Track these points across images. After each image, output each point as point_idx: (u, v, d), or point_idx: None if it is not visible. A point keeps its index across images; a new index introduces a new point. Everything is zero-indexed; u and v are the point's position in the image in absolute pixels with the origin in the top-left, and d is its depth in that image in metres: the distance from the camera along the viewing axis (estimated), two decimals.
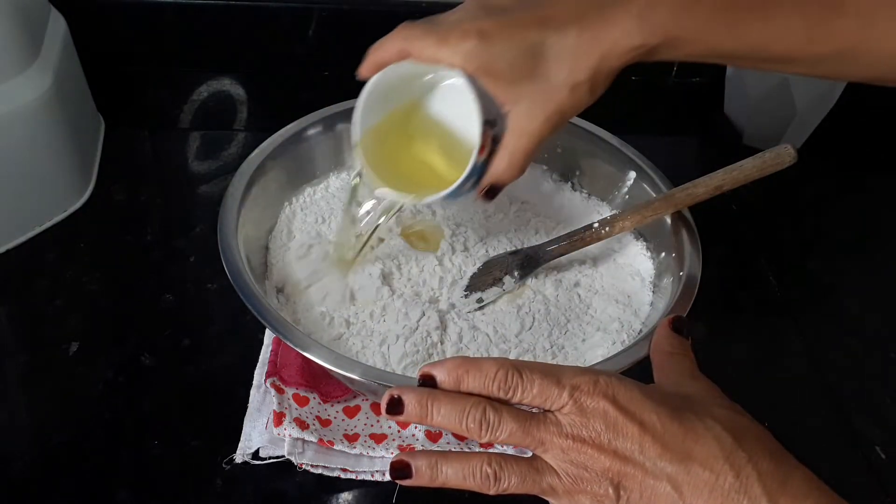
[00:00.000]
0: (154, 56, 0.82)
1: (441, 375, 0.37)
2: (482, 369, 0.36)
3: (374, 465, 0.50)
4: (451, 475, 0.36)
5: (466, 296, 0.57)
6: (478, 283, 0.57)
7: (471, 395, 0.36)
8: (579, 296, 0.58)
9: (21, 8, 0.59)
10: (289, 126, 0.62)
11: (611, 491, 0.35)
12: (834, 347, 0.62)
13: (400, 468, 0.36)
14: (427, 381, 0.37)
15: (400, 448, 0.50)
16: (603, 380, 0.36)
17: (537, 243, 0.60)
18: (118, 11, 0.78)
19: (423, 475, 0.36)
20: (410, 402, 0.36)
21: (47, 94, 0.61)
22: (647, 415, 0.35)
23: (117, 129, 0.75)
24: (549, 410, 0.36)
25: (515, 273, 0.58)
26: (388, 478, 0.50)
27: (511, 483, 0.36)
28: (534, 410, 0.37)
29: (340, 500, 0.50)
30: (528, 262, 0.59)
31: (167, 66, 0.82)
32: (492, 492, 0.36)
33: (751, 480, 0.34)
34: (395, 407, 0.37)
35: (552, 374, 0.36)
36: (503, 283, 0.58)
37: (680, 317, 0.45)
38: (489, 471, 0.35)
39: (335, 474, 0.50)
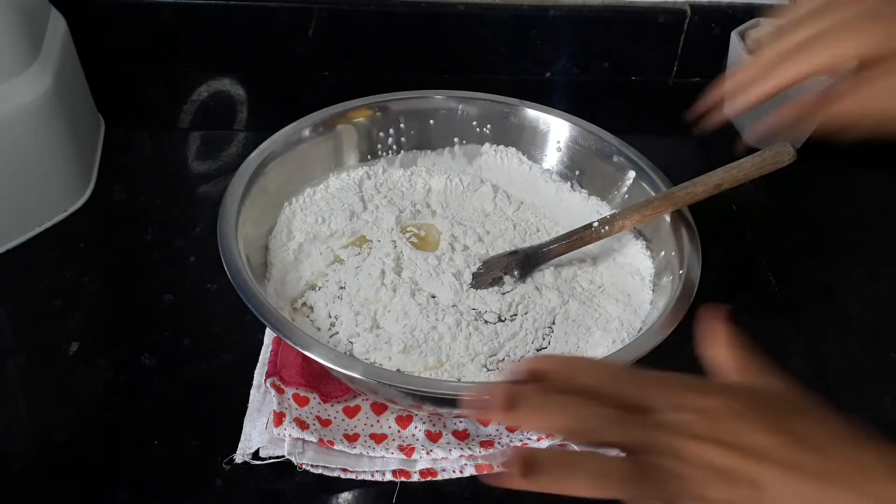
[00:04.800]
0: (154, 56, 0.82)
1: (545, 369, 0.34)
2: (588, 367, 0.35)
3: (374, 465, 0.50)
4: (585, 476, 0.31)
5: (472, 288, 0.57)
6: (478, 282, 0.57)
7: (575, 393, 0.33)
8: (579, 295, 0.58)
9: (21, 8, 0.59)
10: (288, 126, 0.62)
11: (744, 492, 0.32)
12: (834, 347, 0.62)
13: (525, 463, 0.31)
14: (532, 376, 0.34)
15: (400, 448, 0.50)
16: (711, 382, 0.35)
17: (537, 243, 0.60)
18: (118, 11, 0.78)
19: (551, 474, 0.31)
20: (529, 398, 0.32)
21: (47, 94, 0.61)
22: (765, 411, 0.33)
23: (117, 129, 0.75)
24: (659, 411, 0.33)
25: (515, 272, 0.58)
26: (388, 478, 0.50)
27: (648, 485, 0.32)
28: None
29: (340, 500, 0.50)
30: (527, 262, 0.59)
31: (167, 66, 0.82)
32: (626, 495, 0.31)
33: (881, 461, 0.32)
34: (512, 402, 0.32)
35: (655, 374, 0.34)
36: (503, 283, 0.58)
37: (727, 308, 0.43)
38: (631, 468, 0.32)
39: (335, 474, 0.50)
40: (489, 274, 0.58)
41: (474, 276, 0.58)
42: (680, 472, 0.32)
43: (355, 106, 0.65)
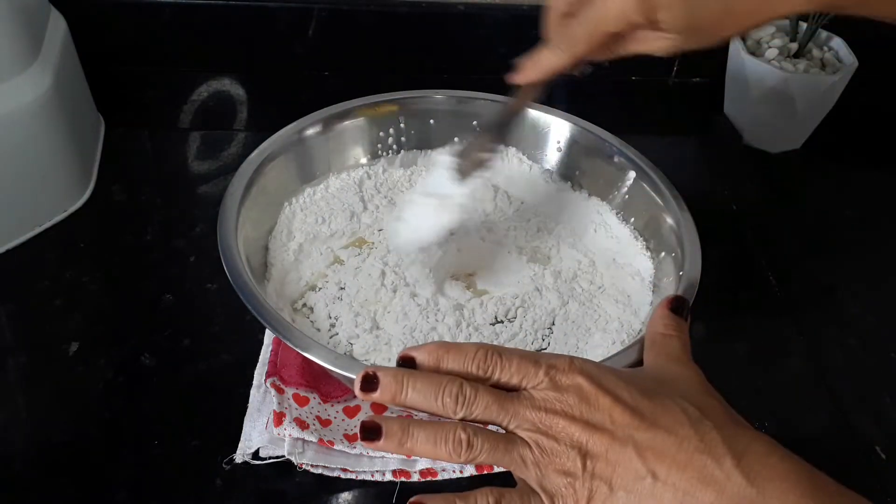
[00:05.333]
0: (154, 56, 0.82)
1: (421, 356, 0.37)
2: (462, 350, 0.37)
3: (374, 465, 0.50)
4: (423, 439, 0.35)
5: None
6: (463, 171, 0.54)
7: (449, 374, 0.37)
8: (579, 296, 0.58)
9: (21, 8, 0.59)
10: (289, 126, 0.62)
11: (578, 464, 0.35)
12: (834, 347, 0.62)
13: (370, 428, 0.36)
14: (406, 363, 0.37)
15: None
16: (578, 361, 0.37)
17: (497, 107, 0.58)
18: (118, 11, 0.78)
19: (393, 436, 0.36)
20: (386, 378, 0.36)
21: (47, 94, 0.61)
22: (619, 391, 0.36)
23: (117, 129, 0.75)
24: (525, 388, 0.37)
25: (495, 140, 0.55)
26: (388, 478, 0.50)
27: (483, 450, 0.35)
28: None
29: (340, 500, 0.50)
30: (501, 125, 0.55)
31: (167, 66, 0.82)
32: (462, 459, 0.35)
33: (715, 442, 0.35)
34: (370, 384, 0.36)
35: (530, 355, 0.37)
36: (490, 159, 0.55)
37: (680, 297, 0.45)
38: (462, 436, 0.35)
39: (335, 474, 0.50)
40: (469, 158, 0.54)
41: (457, 168, 0.54)
42: (544, 447, 0.35)
43: (355, 106, 0.65)
